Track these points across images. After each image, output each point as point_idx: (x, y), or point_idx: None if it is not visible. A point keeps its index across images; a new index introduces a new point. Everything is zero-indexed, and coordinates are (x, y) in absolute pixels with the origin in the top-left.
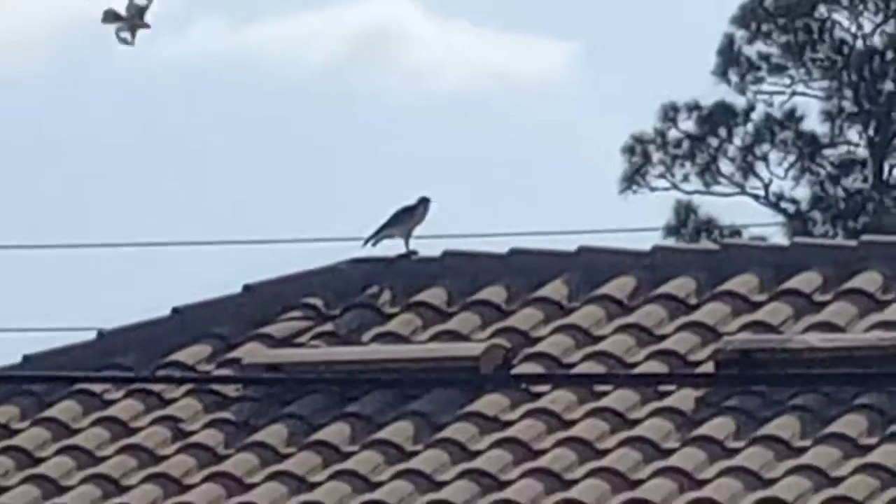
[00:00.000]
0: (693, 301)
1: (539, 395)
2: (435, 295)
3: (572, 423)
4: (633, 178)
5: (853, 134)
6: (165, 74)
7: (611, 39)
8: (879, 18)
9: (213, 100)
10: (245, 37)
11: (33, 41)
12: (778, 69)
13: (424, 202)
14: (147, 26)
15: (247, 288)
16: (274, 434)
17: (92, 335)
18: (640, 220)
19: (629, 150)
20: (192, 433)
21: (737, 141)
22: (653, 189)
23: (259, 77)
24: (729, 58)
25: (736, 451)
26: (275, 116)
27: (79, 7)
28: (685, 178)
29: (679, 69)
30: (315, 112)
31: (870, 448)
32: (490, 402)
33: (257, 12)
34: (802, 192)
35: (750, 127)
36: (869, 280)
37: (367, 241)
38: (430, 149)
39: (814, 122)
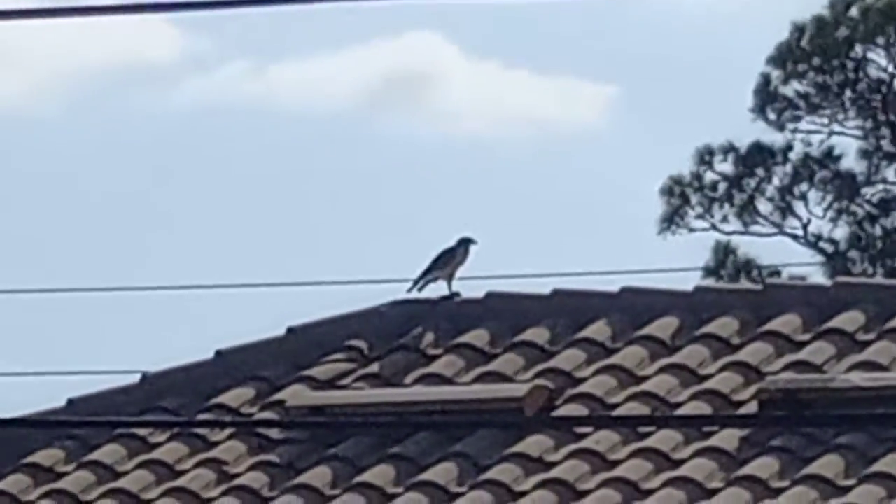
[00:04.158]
0: (736, 341)
1: (583, 436)
2: (478, 336)
3: (616, 463)
4: (672, 219)
5: (890, 173)
6: (190, 118)
7: (647, 82)
8: None
9: (242, 142)
10: (270, 79)
11: (52, 87)
12: (815, 108)
13: (465, 243)
14: None
15: (290, 330)
16: (318, 476)
17: (136, 378)
18: (680, 261)
19: (667, 192)
20: (236, 475)
21: (775, 181)
22: (692, 230)
23: (286, 119)
24: (765, 97)
25: (780, 491)
26: (304, 159)
27: (99, 54)
28: (724, 219)
29: (716, 109)
30: (344, 154)
31: None
32: (534, 443)
33: (285, 52)
34: (841, 232)
35: (788, 167)
36: None
37: (412, 287)
38: (467, 192)
39: (851, 161)
